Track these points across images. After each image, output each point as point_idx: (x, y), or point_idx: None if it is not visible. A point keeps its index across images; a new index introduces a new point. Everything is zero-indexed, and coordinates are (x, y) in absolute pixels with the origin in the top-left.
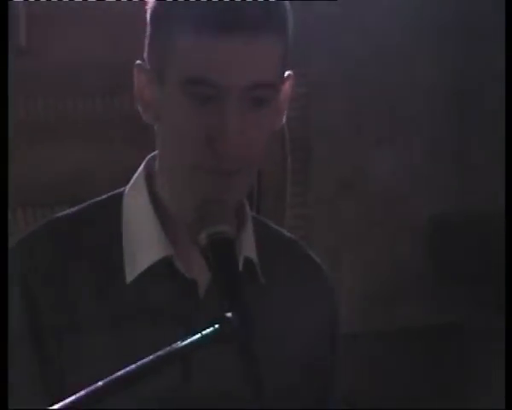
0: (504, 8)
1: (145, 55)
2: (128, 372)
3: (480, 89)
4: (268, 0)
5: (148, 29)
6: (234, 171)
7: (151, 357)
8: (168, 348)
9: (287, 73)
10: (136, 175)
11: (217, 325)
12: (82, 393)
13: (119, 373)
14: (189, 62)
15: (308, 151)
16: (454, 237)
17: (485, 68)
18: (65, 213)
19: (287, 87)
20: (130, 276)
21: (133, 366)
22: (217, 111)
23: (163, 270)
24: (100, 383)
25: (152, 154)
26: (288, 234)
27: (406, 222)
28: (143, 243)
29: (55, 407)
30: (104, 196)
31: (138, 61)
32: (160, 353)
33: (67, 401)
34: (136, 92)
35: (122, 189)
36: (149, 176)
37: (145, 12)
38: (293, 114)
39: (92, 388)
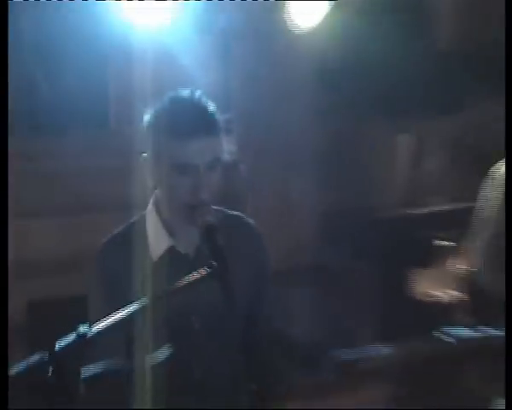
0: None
1: (144, 152)
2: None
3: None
4: (212, 113)
5: (146, 134)
6: (203, 203)
7: (167, 288)
8: (179, 282)
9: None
10: (150, 202)
11: (208, 268)
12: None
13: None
14: (173, 154)
15: None
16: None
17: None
18: (114, 233)
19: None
20: (154, 258)
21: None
22: (192, 178)
23: (170, 252)
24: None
25: (155, 191)
26: (235, 213)
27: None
28: (159, 240)
29: None
30: (136, 217)
31: (143, 154)
32: (174, 285)
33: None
34: (144, 173)
35: (145, 211)
36: (156, 202)
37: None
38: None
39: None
